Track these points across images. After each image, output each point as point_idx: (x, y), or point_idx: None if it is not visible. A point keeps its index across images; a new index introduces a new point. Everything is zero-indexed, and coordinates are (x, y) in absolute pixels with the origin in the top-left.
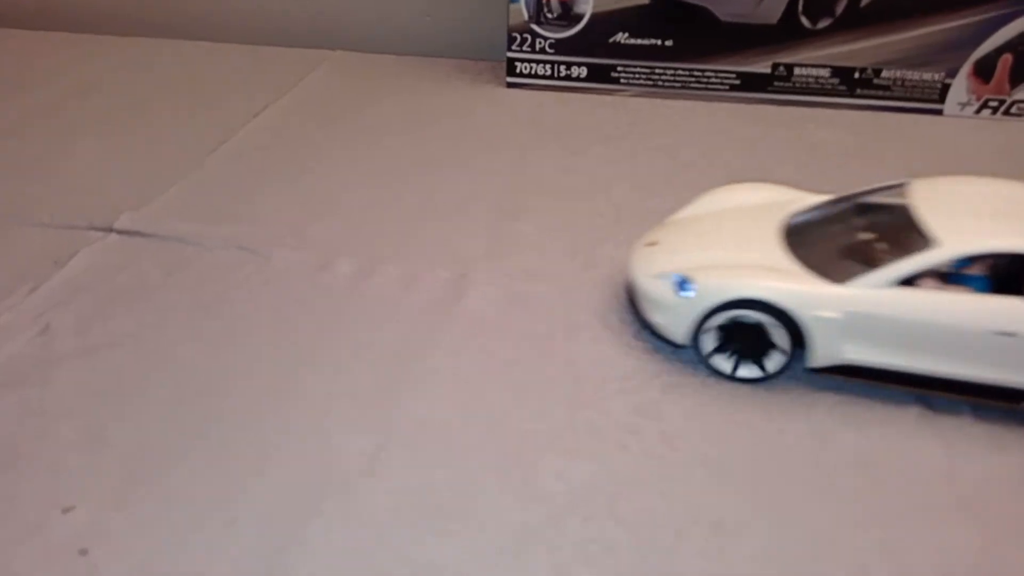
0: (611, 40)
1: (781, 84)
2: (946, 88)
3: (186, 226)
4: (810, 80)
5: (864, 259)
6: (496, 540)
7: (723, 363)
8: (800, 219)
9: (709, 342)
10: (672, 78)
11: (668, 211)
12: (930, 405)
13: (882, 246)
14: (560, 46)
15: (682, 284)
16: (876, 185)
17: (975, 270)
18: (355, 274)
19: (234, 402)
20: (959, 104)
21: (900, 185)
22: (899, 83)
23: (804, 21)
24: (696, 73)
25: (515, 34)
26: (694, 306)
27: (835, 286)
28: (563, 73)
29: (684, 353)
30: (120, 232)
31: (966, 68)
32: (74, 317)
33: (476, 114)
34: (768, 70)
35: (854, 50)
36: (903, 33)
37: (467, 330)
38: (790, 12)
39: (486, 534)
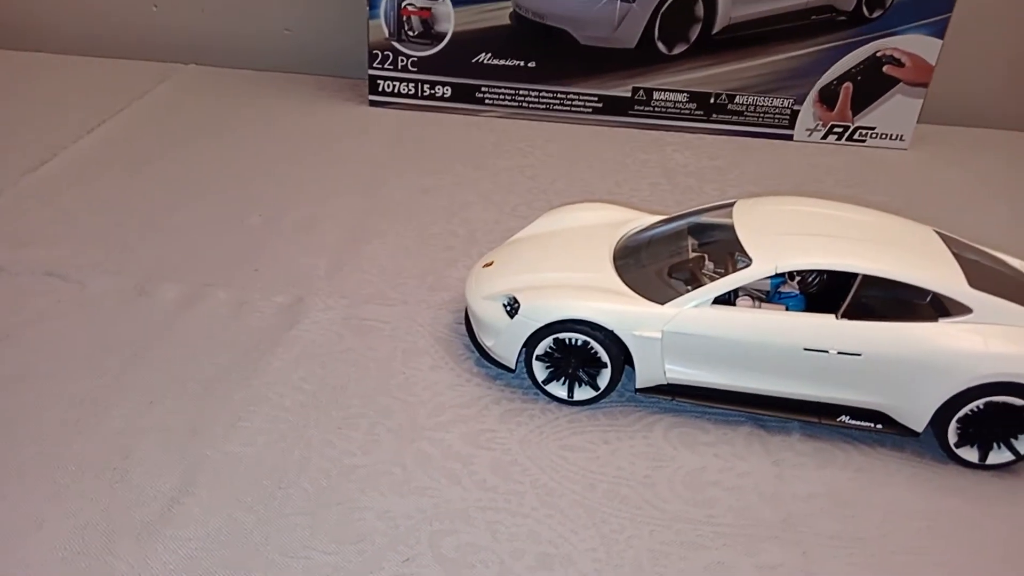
0: (474, 60)
1: (641, 108)
2: (795, 114)
3: None
4: (668, 104)
5: (686, 278)
6: None
7: (558, 389)
8: (632, 240)
9: (541, 370)
10: (537, 100)
11: None
12: (762, 424)
13: (704, 265)
14: (423, 64)
15: (510, 306)
16: (706, 205)
17: (790, 288)
18: (179, 300)
19: (20, 445)
20: (807, 130)
21: (728, 205)
22: (752, 108)
23: (661, 47)
24: (560, 96)
25: (376, 51)
26: (520, 328)
27: (655, 306)
28: (427, 92)
29: (525, 379)
30: None
31: (812, 95)
32: None
33: (333, 133)
34: (629, 94)
35: (709, 76)
36: (754, 60)
37: (297, 358)
38: (647, 37)
39: None
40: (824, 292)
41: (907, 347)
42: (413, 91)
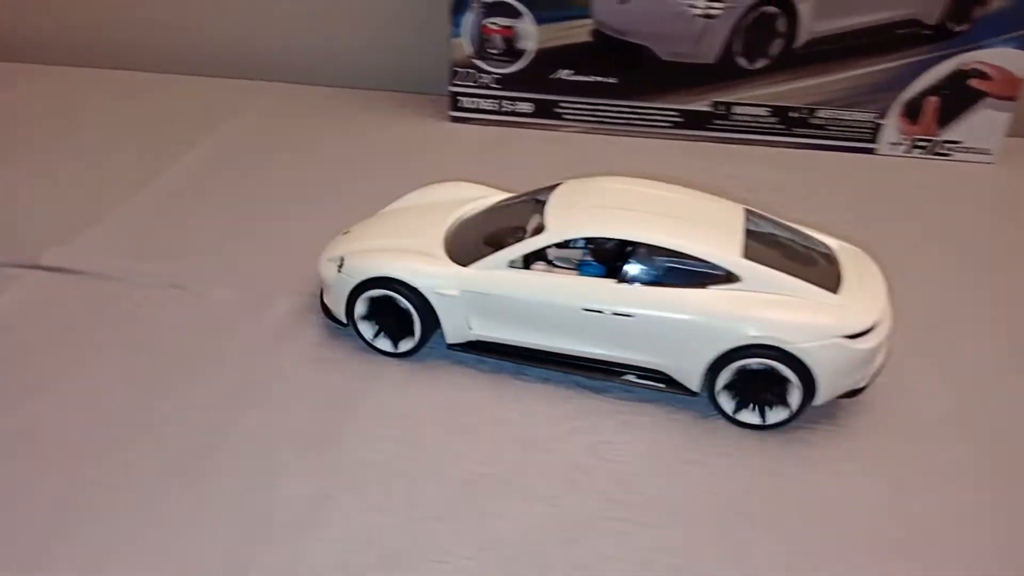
0: (555, 76)
1: (721, 122)
2: (878, 128)
3: (115, 262)
4: (749, 118)
5: (497, 245)
6: None
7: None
8: (471, 213)
9: (368, 328)
10: (616, 115)
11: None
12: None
13: (514, 235)
14: (505, 81)
15: (340, 265)
16: (545, 185)
17: (592, 256)
18: (294, 312)
19: (163, 449)
20: (890, 144)
21: (559, 184)
22: (833, 122)
23: (742, 61)
24: (640, 111)
25: (458, 68)
26: (343, 284)
27: (458, 267)
28: (508, 108)
29: (638, 393)
30: (45, 268)
31: (895, 109)
32: None
33: (417, 148)
34: (709, 108)
35: (790, 90)
36: (836, 74)
37: (410, 372)
38: (728, 52)
39: None
40: (615, 260)
41: (675, 310)
42: (494, 107)
